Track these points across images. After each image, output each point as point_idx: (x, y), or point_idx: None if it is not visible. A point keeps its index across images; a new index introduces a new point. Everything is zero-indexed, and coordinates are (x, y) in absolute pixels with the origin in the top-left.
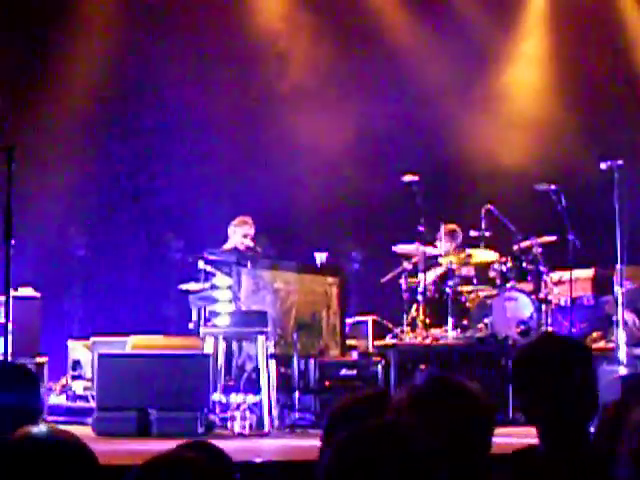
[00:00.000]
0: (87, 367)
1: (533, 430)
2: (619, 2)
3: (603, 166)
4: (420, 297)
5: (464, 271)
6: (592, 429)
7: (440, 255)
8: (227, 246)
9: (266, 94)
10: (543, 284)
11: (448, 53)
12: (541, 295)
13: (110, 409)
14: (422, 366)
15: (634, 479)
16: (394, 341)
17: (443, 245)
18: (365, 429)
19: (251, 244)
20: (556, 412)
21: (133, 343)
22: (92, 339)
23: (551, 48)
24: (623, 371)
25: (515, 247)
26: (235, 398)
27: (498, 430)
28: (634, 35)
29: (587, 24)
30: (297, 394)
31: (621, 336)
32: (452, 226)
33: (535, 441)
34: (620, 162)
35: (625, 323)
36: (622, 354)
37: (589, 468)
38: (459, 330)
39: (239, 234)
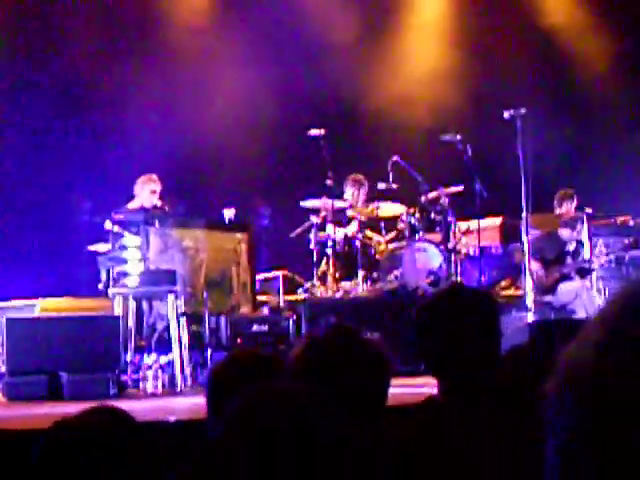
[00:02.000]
0: None
1: None
2: None
3: (506, 115)
4: (330, 251)
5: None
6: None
7: (348, 207)
8: (134, 205)
9: (170, 46)
10: (451, 234)
11: (349, 5)
12: (450, 245)
13: (20, 373)
14: (332, 319)
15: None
16: (305, 296)
17: (349, 194)
18: (260, 398)
19: (159, 202)
20: (455, 361)
21: (42, 306)
22: None
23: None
24: (531, 317)
25: (422, 198)
26: (147, 358)
27: (408, 381)
28: None
29: None
30: (209, 352)
31: (528, 284)
32: (357, 175)
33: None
34: (523, 110)
35: (531, 271)
36: (530, 301)
37: (489, 417)
38: (369, 282)
39: (147, 191)
